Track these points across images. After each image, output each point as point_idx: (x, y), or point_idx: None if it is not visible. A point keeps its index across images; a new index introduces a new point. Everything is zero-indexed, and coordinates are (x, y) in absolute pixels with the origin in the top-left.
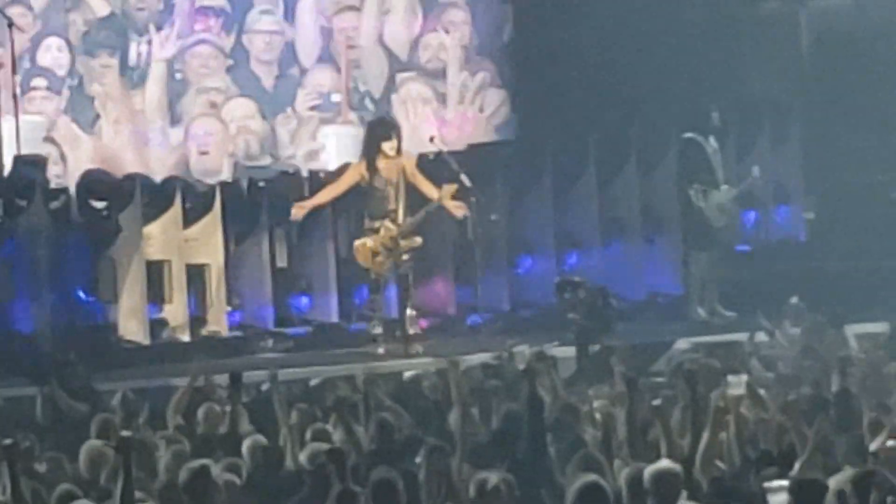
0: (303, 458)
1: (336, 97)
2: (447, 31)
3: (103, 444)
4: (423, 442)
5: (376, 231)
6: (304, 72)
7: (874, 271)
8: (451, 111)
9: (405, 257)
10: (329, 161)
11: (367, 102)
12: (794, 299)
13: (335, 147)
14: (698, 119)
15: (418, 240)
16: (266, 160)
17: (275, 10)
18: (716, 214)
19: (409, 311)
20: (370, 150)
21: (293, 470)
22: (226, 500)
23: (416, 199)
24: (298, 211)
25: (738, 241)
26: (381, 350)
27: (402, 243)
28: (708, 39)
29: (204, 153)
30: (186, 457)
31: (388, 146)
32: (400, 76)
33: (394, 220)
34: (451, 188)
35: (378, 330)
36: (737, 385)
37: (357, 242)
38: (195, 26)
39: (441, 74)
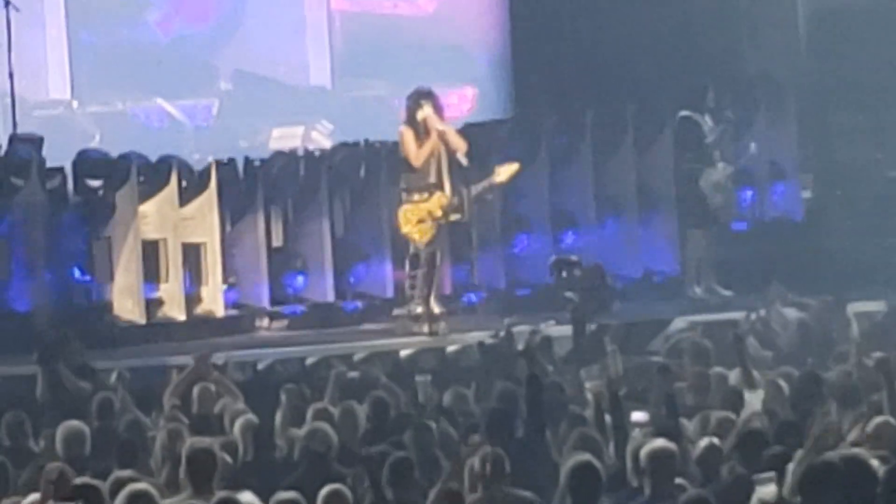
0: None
1: None
2: None
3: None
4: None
5: (416, 202)
6: None
7: (871, 250)
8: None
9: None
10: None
11: None
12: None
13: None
14: (694, 97)
15: (461, 216)
16: None
17: None
18: (712, 193)
19: (433, 291)
20: (411, 121)
21: (287, 450)
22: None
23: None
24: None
25: (734, 219)
26: (425, 329)
27: (449, 217)
28: (704, 17)
29: None
30: (182, 436)
31: (420, 113)
32: None
33: (440, 191)
34: (511, 168)
35: (420, 309)
36: None
37: (403, 209)
38: None
39: None
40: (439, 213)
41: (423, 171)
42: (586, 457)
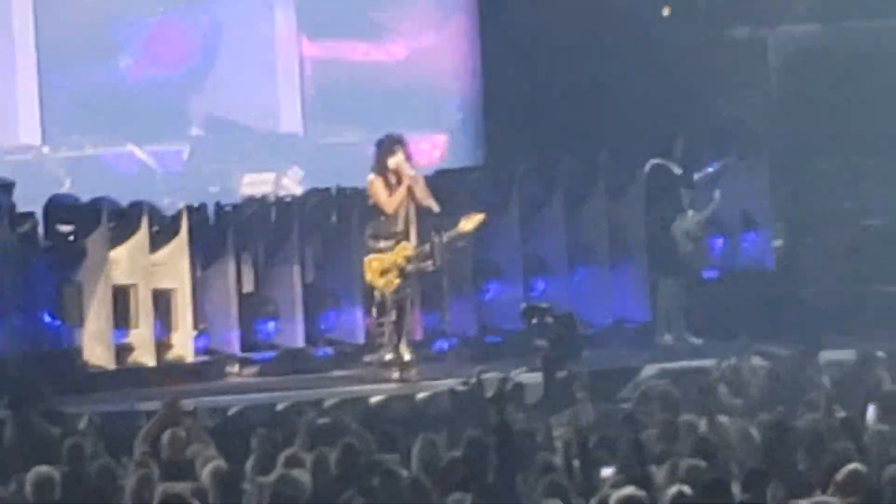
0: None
1: None
2: None
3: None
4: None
5: (383, 251)
6: None
7: (842, 298)
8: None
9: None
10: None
11: None
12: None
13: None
14: (666, 145)
15: (431, 265)
16: None
17: None
18: (683, 240)
19: (404, 337)
20: (380, 168)
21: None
22: None
23: (425, 222)
24: None
25: (705, 267)
26: (395, 375)
27: (417, 265)
28: (677, 65)
29: None
30: (153, 482)
31: (391, 160)
32: None
33: (407, 241)
34: (477, 217)
35: (390, 356)
36: None
37: (368, 259)
38: None
39: None
40: (403, 262)
41: (390, 219)
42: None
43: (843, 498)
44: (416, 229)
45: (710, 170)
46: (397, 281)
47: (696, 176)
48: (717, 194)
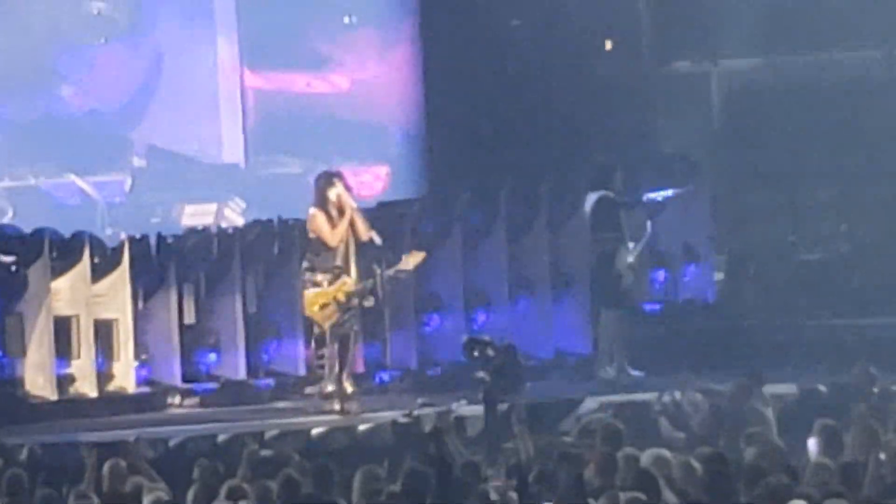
0: None
1: None
2: None
3: None
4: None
5: (320, 284)
6: None
7: (783, 331)
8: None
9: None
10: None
11: None
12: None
13: None
14: (606, 176)
15: (371, 302)
16: None
17: None
18: (625, 273)
19: (346, 370)
20: (321, 201)
21: None
22: None
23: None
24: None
25: (647, 300)
26: (336, 407)
27: (358, 301)
28: (620, 96)
29: None
30: None
31: (332, 193)
32: None
33: (347, 275)
34: (418, 256)
35: (330, 388)
36: None
37: (308, 292)
38: None
39: None
40: (343, 298)
41: (329, 252)
42: None
43: None
44: (357, 265)
45: (662, 196)
46: (337, 315)
47: (644, 197)
48: (649, 226)
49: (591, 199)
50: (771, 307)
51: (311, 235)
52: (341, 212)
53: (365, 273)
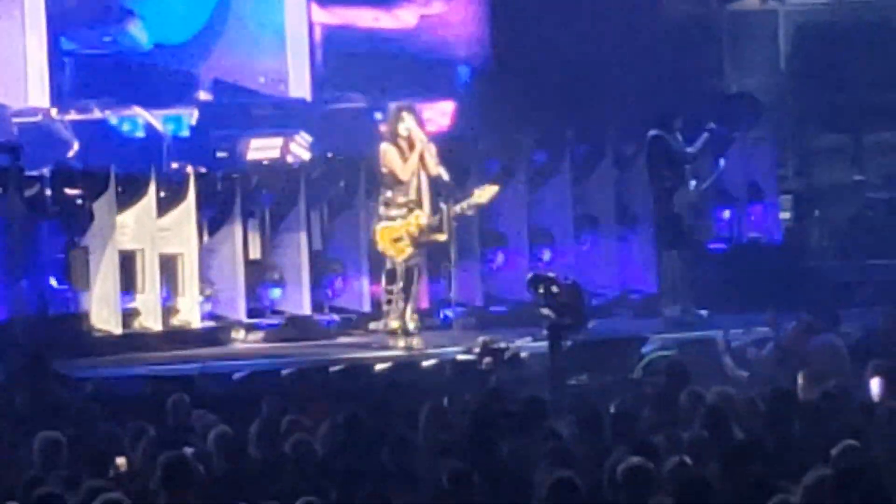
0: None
1: None
2: None
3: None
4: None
5: (394, 219)
6: None
7: (848, 271)
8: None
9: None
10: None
11: None
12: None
13: None
14: (666, 118)
15: (444, 236)
16: None
17: None
18: (687, 212)
19: (411, 305)
20: (392, 136)
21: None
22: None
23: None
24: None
25: (711, 239)
26: (400, 343)
27: (429, 236)
28: (686, 34)
29: None
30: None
31: (403, 128)
32: None
33: (419, 209)
34: (491, 189)
35: (395, 324)
36: None
37: (380, 226)
38: None
39: None
40: (416, 232)
41: (402, 187)
42: (566, 473)
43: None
44: (430, 199)
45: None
46: (409, 249)
47: (689, 149)
48: (721, 162)
49: (649, 138)
50: (837, 247)
51: (384, 170)
52: (412, 145)
53: (436, 208)
